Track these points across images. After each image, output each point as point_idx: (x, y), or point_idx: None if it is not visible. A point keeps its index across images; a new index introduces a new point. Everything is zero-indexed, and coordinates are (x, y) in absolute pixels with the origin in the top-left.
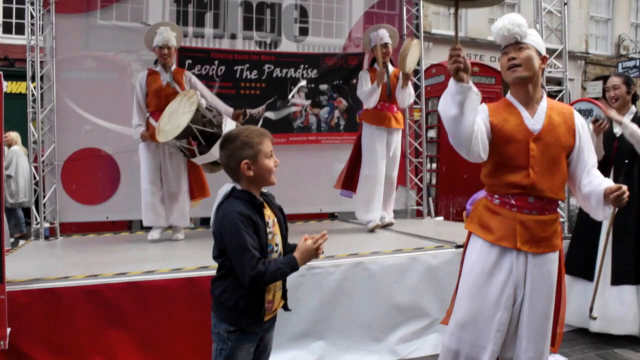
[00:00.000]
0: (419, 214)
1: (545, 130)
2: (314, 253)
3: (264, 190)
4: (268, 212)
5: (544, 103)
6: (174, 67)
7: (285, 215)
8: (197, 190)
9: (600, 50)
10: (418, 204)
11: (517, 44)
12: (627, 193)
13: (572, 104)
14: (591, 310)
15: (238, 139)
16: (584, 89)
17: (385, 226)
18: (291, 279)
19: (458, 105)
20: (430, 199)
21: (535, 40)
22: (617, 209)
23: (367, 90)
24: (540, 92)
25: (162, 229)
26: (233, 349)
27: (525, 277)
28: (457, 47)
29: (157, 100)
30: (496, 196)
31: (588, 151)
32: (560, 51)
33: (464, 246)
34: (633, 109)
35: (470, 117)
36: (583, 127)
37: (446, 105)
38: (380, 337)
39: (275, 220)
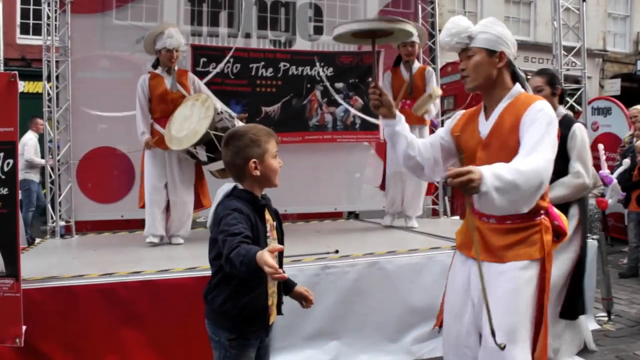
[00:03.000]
0: (434, 213)
1: (492, 134)
2: (265, 265)
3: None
4: (267, 216)
5: (505, 102)
6: (175, 69)
7: (281, 220)
8: (204, 199)
9: (618, 47)
10: (434, 203)
11: (466, 51)
12: (464, 177)
13: (589, 102)
14: (493, 334)
15: (245, 137)
16: (601, 87)
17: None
18: (305, 278)
19: (387, 136)
20: (447, 198)
21: (487, 38)
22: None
23: None
24: (503, 90)
25: (161, 236)
26: (237, 356)
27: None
28: (372, 85)
29: (164, 106)
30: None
31: (528, 139)
32: (578, 49)
33: None
34: (561, 110)
35: (400, 148)
36: (534, 119)
37: None
38: (396, 337)
39: (274, 224)
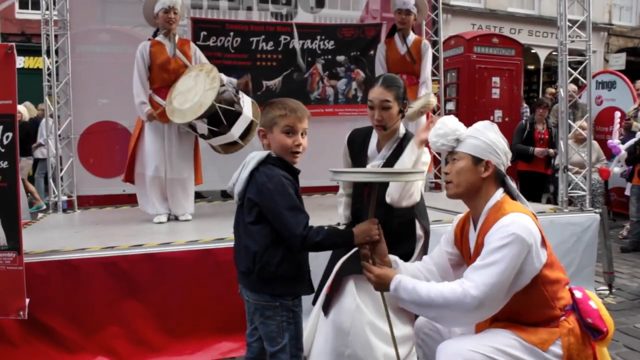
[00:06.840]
0: (437, 187)
1: (475, 252)
2: (370, 234)
3: None
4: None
5: (484, 215)
6: (176, 37)
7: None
8: (197, 176)
9: (624, 21)
10: (436, 177)
11: (452, 154)
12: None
13: (594, 76)
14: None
15: (270, 104)
16: (606, 61)
17: None
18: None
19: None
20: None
21: (475, 144)
22: None
23: None
24: (486, 203)
25: (168, 213)
26: (299, 314)
27: None
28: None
29: (166, 75)
30: None
31: (478, 260)
32: (583, 21)
33: None
34: (401, 129)
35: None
36: (492, 238)
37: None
38: None
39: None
